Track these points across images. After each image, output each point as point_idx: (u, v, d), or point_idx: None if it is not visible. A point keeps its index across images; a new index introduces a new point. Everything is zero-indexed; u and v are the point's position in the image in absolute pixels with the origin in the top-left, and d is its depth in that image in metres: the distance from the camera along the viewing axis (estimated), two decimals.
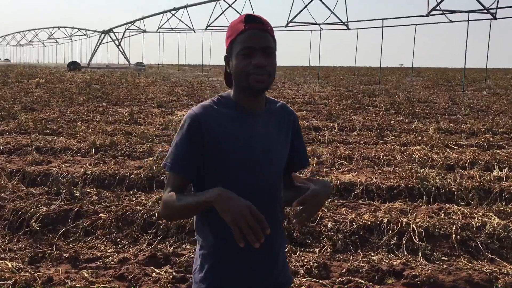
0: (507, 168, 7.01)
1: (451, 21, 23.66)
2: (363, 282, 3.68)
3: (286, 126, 1.84)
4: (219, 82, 30.02)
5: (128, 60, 60.67)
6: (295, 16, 30.40)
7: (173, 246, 4.41)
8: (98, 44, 61.44)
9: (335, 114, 13.09)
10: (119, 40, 59.60)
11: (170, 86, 25.25)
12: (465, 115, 14.22)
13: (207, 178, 1.71)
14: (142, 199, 5.35)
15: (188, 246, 4.45)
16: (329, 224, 4.61)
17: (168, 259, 4.12)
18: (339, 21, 30.54)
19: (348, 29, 31.63)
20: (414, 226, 4.57)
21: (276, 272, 1.80)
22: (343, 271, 3.95)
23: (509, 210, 5.11)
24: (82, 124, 10.87)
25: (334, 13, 30.27)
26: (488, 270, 3.94)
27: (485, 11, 21.45)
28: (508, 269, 4.02)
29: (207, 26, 36.79)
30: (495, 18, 21.92)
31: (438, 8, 21.75)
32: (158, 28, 47.46)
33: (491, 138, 9.82)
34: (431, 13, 21.30)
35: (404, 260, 4.15)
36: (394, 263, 4.10)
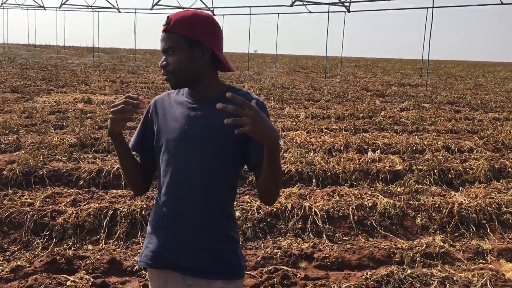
0: (378, 150, 7.71)
1: (311, 12, 25.21)
2: (289, 269, 3.76)
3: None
4: (76, 65, 27.96)
5: None
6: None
7: (72, 248, 4.02)
8: None
9: None
10: None
11: (20, 68, 22.81)
12: (327, 100, 15.27)
13: (157, 156, 1.84)
14: (27, 199, 4.77)
15: (90, 247, 4.09)
16: (237, 213, 4.61)
17: (70, 263, 3.74)
18: (205, 7, 30.47)
19: (214, 15, 31.69)
20: (316, 209, 4.79)
21: (200, 258, 1.73)
22: (258, 259, 3.98)
23: (392, 189, 5.64)
24: None
25: None
26: (386, 246, 4.31)
27: (340, 4, 23.19)
28: (401, 243, 4.44)
29: (61, 4, 33.88)
30: (348, 11, 23.87)
31: None
32: (2, 4, 42.41)
33: (356, 122, 10.71)
34: (295, 3, 22.38)
35: (312, 243, 4.33)
36: (303, 246, 4.26)
